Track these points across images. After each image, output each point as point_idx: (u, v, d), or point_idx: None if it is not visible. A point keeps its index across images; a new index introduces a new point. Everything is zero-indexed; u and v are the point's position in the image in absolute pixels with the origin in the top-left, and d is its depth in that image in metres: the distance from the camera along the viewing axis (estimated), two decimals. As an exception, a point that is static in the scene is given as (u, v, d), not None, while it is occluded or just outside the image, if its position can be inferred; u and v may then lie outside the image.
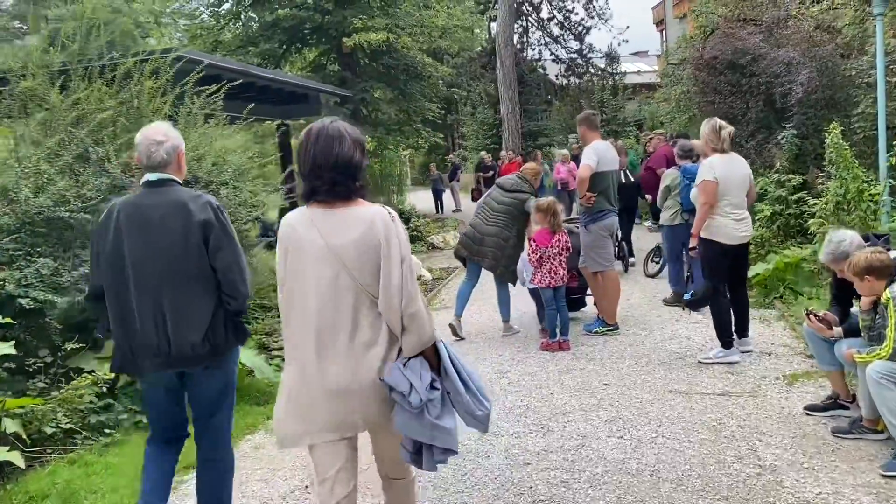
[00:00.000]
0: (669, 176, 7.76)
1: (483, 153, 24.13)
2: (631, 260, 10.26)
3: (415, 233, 15.02)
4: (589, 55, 30.84)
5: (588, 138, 6.71)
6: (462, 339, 6.95)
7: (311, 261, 2.53)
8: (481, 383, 2.73)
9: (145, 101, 6.91)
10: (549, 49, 31.39)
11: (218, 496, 3.26)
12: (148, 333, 3.02)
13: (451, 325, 7.00)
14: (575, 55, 30.98)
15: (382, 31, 16.77)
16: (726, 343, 5.68)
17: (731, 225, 5.44)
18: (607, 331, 6.84)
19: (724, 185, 5.40)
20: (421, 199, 24.29)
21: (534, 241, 6.51)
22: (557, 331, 6.53)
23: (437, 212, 23.51)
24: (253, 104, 12.10)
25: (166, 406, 3.25)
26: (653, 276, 9.64)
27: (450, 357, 2.64)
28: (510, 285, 7.00)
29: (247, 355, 5.47)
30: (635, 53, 40.23)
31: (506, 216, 6.71)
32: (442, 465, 2.67)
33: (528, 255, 6.55)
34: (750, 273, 6.56)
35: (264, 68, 17.45)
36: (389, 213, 2.58)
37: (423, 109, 21.71)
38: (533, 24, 31.24)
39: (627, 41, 33.06)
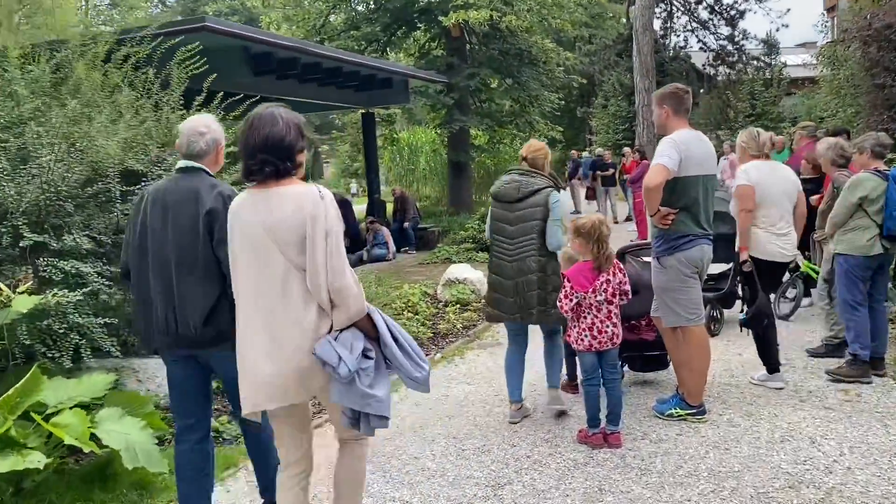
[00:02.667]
0: (864, 183, 5.20)
1: (600, 149, 21.60)
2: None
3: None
4: (742, 42, 27.37)
5: (669, 125, 4.49)
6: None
7: (247, 240, 2.71)
8: (418, 348, 2.87)
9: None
10: (697, 35, 28.20)
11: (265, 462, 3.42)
12: (161, 314, 3.18)
13: (510, 422, 4.79)
14: (725, 42, 27.58)
15: (484, 8, 14.78)
16: (771, 368, 5.17)
17: (768, 239, 5.09)
18: (687, 414, 4.59)
19: (760, 194, 5.01)
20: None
21: (567, 282, 4.40)
22: (602, 417, 4.38)
23: (553, 212, 21.25)
24: (333, 90, 10.56)
25: (183, 387, 3.33)
26: (784, 319, 7.12)
27: (387, 325, 2.77)
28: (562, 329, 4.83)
29: (128, 425, 3.76)
30: (801, 45, 36.37)
31: (530, 237, 4.52)
32: (379, 429, 2.79)
33: (561, 300, 4.45)
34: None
35: (357, 54, 16.00)
36: (320, 191, 2.67)
37: (539, 99, 19.55)
38: (678, 8, 28.10)
39: (787, 26, 28.79)
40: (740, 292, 7.20)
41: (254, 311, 2.70)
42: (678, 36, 28.43)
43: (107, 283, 4.48)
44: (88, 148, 4.84)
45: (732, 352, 6.20)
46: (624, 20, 29.54)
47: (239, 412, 2.97)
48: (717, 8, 27.50)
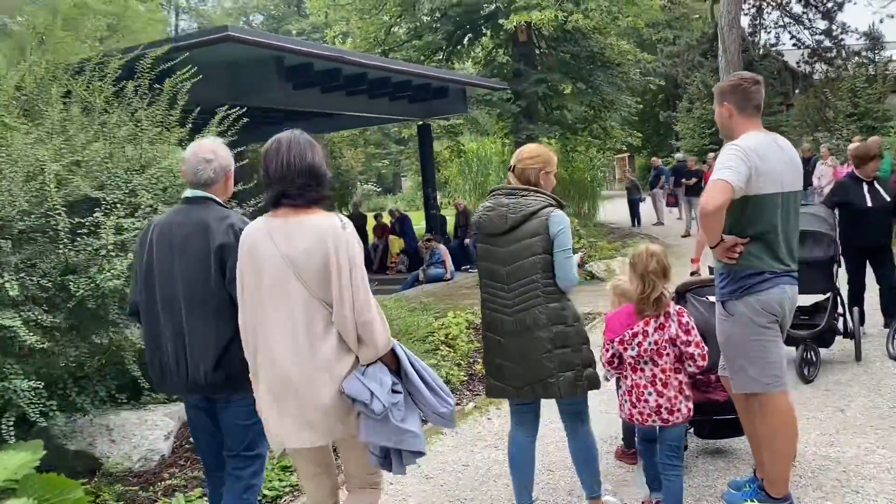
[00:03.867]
0: None
1: (682, 154, 20.09)
2: (864, 329, 6.35)
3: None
4: (841, 37, 25.24)
5: (733, 127, 3.38)
6: None
7: (266, 270, 2.59)
8: (441, 381, 2.78)
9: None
10: (789, 31, 26.22)
11: None
12: (171, 355, 3.03)
13: None
14: (822, 37, 25.51)
15: (549, 7, 13.74)
16: None
17: None
18: (768, 509, 3.45)
19: None
20: (620, 211, 20.82)
21: (608, 329, 3.48)
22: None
23: (634, 225, 19.89)
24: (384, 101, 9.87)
25: (202, 431, 3.19)
26: (900, 361, 5.82)
27: (408, 358, 2.69)
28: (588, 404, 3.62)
29: None
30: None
31: (532, 279, 3.34)
32: (411, 466, 2.71)
33: (603, 352, 3.50)
34: None
35: (415, 63, 15.29)
36: (341, 221, 2.60)
37: (615, 104, 18.30)
38: (769, 3, 26.18)
39: (893, 16, 26.34)
40: (840, 327, 5.97)
41: (279, 347, 2.58)
42: (769, 33, 26.59)
43: (46, 333, 3.76)
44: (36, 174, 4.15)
45: (832, 406, 4.97)
46: (709, 19, 27.80)
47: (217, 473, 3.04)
48: (811, 1, 25.50)
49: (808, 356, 5.57)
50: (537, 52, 17.92)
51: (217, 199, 3.10)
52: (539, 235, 3.31)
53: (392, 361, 2.65)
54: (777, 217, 3.25)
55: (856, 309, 6.05)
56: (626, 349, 3.40)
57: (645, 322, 3.39)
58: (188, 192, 3.10)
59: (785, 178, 3.27)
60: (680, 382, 3.38)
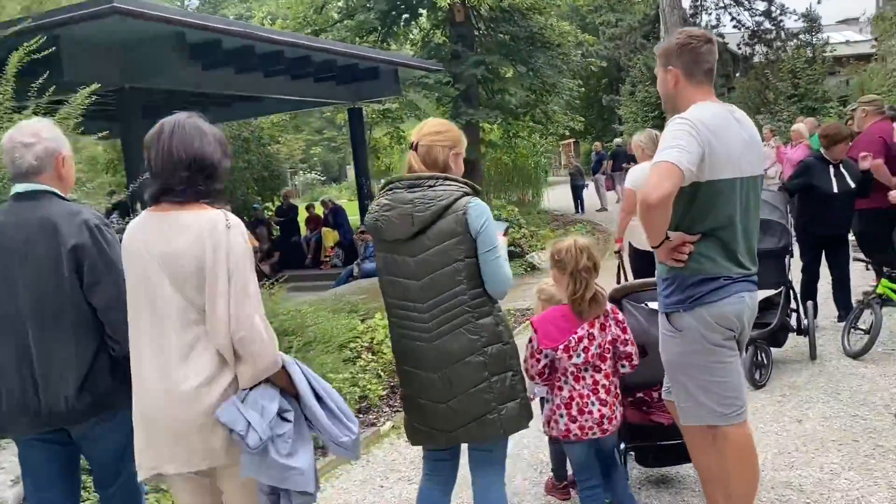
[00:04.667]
0: None
1: (619, 139, 19.78)
2: (817, 322, 5.83)
3: (512, 247, 11.31)
4: (780, 18, 25.23)
5: (680, 96, 2.76)
6: None
7: (142, 271, 2.29)
8: (345, 405, 2.46)
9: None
10: (730, 12, 26.10)
11: None
12: (13, 387, 2.55)
13: None
14: (762, 18, 25.45)
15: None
16: None
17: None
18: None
19: None
20: (564, 197, 20.35)
21: (534, 332, 3.01)
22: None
23: (577, 211, 19.50)
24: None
25: (47, 477, 2.67)
26: (855, 357, 5.36)
27: (307, 379, 2.38)
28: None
29: None
30: (842, 21, 34.07)
31: (454, 291, 2.65)
32: None
33: (526, 359, 3.01)
34: None
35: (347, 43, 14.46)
36: (226, 219, 2.26)
37: (557, 87, 17.75)
38: (709, -16, 26.02)
39: (831, -3, 26.50)
40: (794, 324, 5.48)
41: (147, 360, 2.28)
42: (709, 14, 26.42)
43: None
44: None
45: (788, 416, 4.45)
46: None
47: None
48: (751, -19, 25.41)
49: (759, 358, 5.05)
50: (476, 33, 17.23)
51: (57, 191, 2.65)
52: (458, 235, 2.63)
53: (286, 383, 2.34)
54: (735, 209, 2.64)
55: (810, 303, 5.56)
56: (570, 357, 2.95)
57: (590, 324, 2.98)
58: (18, 187, 2.63)
59: (744, 160, 2.66)
60: (616, 386, 3.08)
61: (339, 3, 17.56)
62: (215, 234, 2.22)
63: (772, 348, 5.25)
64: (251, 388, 2.26)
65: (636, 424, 3.49)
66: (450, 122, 2.95)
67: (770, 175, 13.76)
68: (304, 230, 14.95)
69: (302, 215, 15.32)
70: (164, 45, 7.89)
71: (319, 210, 14.96)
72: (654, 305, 3.27)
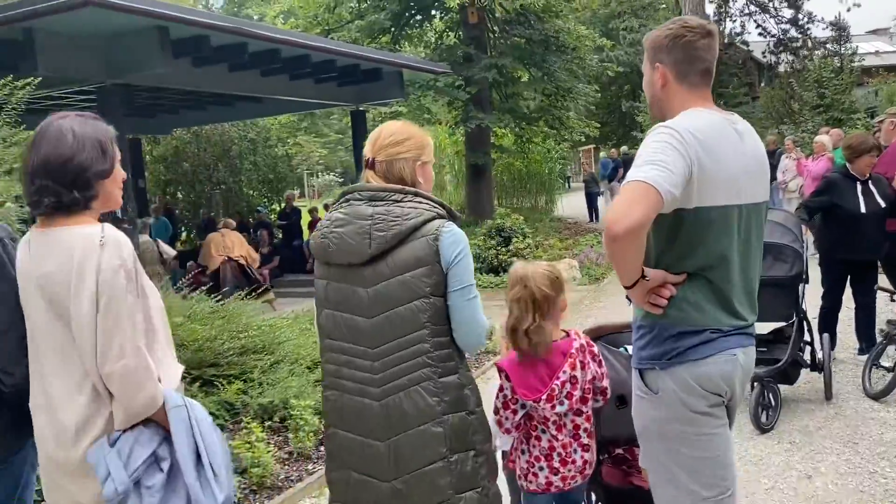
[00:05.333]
0: None
1: (625, 148, 19.27)
2: (834, 355, 5.28)
3: (515, 258, 10.82)
4: (807, 27, 24.51)
5: (669, 100, 2.22)
6: None
7: (26, 297, 2.09)
8: (224, 468, 2.11)
9: None
10: (755, 20, 25.40)
11: None
12: None
13: None
14: (788, 26, 24.75)
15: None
16: None
17: None
18: None
19: None
20: (581, 204, 19.84)
21: (506, 379, 2.61)
22: None
23: (591, 220, 18.97)
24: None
25: None
26: (876, 399, 4.82)
27: (192, 425, 2.05)
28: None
29: None
30: (872, 31, 33.37)
31: (412, 337, 2.14)
32: None
33: (497, 409, 2.63)
34: None
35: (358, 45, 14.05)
36: (102, 234, 1.98)
37: (572, 92, 17.25)
38: (734, -10, 25.36)
39: (860, 5, 25.74)
40: (807, 358, 4.95)
41: (34, 393, 2.09)
42: (734, 21, 25.74)
43: None
44: None
45: (797, 469, 3.93)
46: (674, 5, 26.91)
47: None
48: (778, -12, 24.71)
49: (766, 398, 4.53)
50: (491, 36, 16.79)
51: None
52: (425, 265, 2.13)
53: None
54: (731, 244, 2.13)
55: (826, 335, 5.02)
56: (554, 406, 2.55)
57: (571, 366, 2.57)
58: None
59: (745, 184, 2.15)
60: (589, 431, 2.69)
61: (352, 4, 17.18)
62: (86, 252, 1.97)
63: (782, 385, 4.73)
64: (125, 430, 2.02)
65: (614, 487, 3.00)
66: (409, 124, 2.44)
67: (791, 189, 13.17)
68: (306, 234, 14.59)
69: (305, 219, 14.97)
70: (144, 40, 7.50)
71: (322, 214, 14.56)
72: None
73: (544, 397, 2.53)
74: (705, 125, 2.11)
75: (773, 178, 13.64)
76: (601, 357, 2.71)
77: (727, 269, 2.14)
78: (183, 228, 15.39)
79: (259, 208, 15.71)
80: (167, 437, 2.06)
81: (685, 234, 2.11)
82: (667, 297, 2.13)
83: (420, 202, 2.20)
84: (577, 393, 2.58)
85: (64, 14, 6.48)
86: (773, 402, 4.56)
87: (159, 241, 8.90)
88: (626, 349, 2.96)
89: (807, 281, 4.77)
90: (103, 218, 2.15)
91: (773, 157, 14.09)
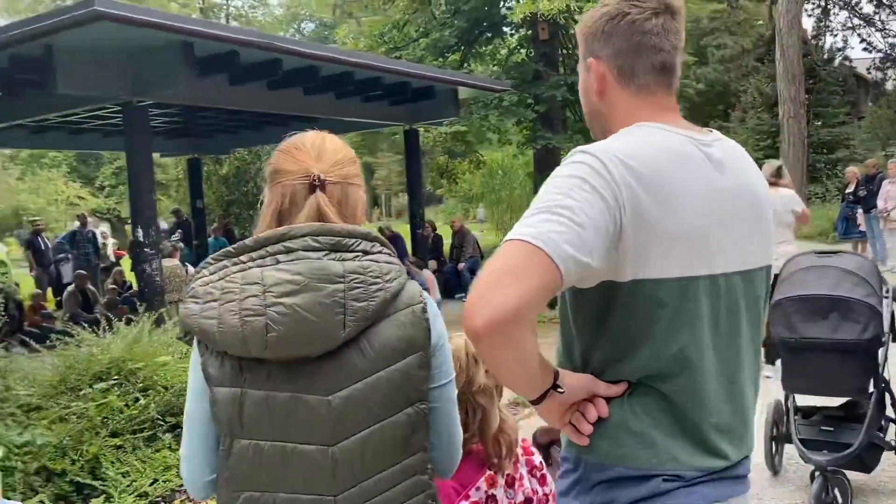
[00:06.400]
0: None
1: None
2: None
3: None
4: (919, 40, 22.64)
5: (613, 111, 1.43)
6: None
7: None
8: None
9: None
10: (859, 34, 23.68)
11: None
12: None
13: None
14: (896, 40, 22.92)
15: (558, -2, 11.76)
16: None
17: None
18: None
19: None
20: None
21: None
22: None
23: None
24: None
25: None
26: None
27: None
28: None
29: None
30: None
31: (399, 453, 1.38)
32: None
33: None
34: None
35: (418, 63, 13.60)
36: None
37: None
38: (835, 2, 23.68)
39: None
40: (891, 439, 3.95)
41: None
42: (835, 36, 24.25)
43: None
44: None
45: None
46: (768, 20, 25.41)
47: None
48: (885, 0, 22.88)
49: (831, 494, 3.57)
50: (563, 52, 16.02)
51: None
52: (416, 351, 1.39)
53: None
54: (697, 338, 1.34)
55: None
56: None
57: (488, 481, 1.85)
58: None
59: (719, 240, 1.36)
60: None
61: (420, 22, 16.79)
62: None
63: (855, 474, 3.76)
64: None
65: None
66: (336, 137, 1.66)
67: (893, 218, 11.75)
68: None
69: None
70: (171, 56, 7.17)
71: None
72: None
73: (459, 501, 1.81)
74: (652, 149, 1.33)
75: (874, 206, 12.24)
76: (544, 470, 1.95)
77: (691, 378, 1.35)
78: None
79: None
80: None
81: (620, 323, 1.34)
82: (592, 421, 1.36)
83: (389, 253, 1.43)
84: None
85: (80, 30, 6.23)
86: (839, 500, 3.60)
87: (188, 265, 8.61)
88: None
89: (887, 344, 3.78)
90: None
91: (873, 182, 12.68)
